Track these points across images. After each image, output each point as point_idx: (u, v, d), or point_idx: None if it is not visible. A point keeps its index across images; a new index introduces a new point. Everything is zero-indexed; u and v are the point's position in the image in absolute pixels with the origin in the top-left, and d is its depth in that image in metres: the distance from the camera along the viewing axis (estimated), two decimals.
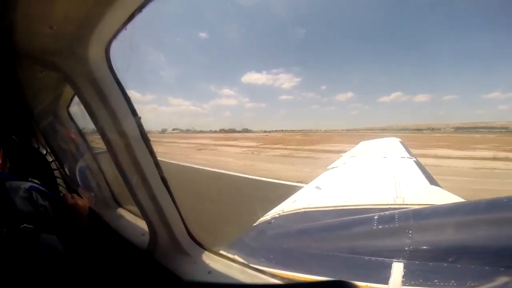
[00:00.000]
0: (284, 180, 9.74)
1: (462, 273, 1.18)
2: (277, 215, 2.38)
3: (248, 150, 24.59)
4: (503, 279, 0.98)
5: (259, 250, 1.79)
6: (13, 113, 2.80)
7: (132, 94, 1.34)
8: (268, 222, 2.30)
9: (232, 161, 16.02)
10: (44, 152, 3.57)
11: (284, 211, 2.47)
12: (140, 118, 1.31)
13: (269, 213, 2.53)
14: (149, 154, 1.35)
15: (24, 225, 1.54)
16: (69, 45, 1.20)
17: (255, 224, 2.35)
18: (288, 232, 2.06)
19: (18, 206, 1.67)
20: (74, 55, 1.23)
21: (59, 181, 3.43)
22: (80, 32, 1.12)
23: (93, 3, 1.02)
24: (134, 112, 1.30)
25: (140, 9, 1.04)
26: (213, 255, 1.51)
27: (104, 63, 1.23)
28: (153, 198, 1.38)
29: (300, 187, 3.58)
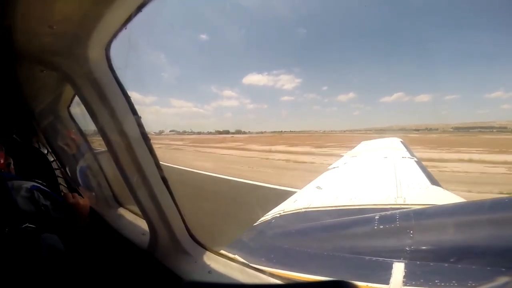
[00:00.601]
0: None
1: (463, 274, 1.18)
2: (278, 215, 2.38)
3: (164, 146, 32.94)
4: (503, 279, 0.98)
5: (260, 249, 1.80)
6: (14, 113, 2.81)
7: (134, 95, 1.34)
8: (269, 222, 2.30)
9: None
10: (45, 151, 3.59)
11: (285, 211, 2.47)
12: (140, 118, 1.31)
13: (269, 213, 2.54)
14: (149, 154, 1.35)
15: (26, 225, 1.54)
16: (69, 45, 1.20)
17: (255, 224, 2.35)
18: (289, 232, 2.06)
19: (20, 206, 1.68)
20: (74, 55, 1.23)
21: (60, 180, 3.44)
22: (80, 32, 1.12)
23: (93, 3, 1.01)
24: (134, 112, 1.30)
25: (140, 8, 1.04)
26: (214, 255, 1.51)
27: (104, 63, 1.23)
28: (153, 197, 1.38)
29: None
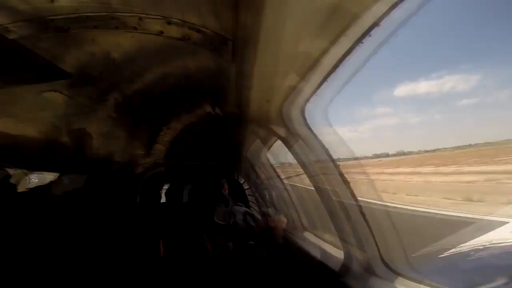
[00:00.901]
0: None
1: None
2: (482, 248, 2.04)
3: None
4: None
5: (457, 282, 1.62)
6: (227, 158, 3.87)
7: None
8: (469, 253, 2.02)
9: None
10: (242, 181, 4.67)
11: (493, 243, 2.07)
12: (332, 156, 1.59)
13: (469, 243, 2.20)
14: (344, 184, 1.56)
15: (250, 242, 1.94)
16: (276, 111, 1.69)
17: (452, 253, 2.11)
18: (498, 267, 1.74)
19: (240, 226, 2.25)
20: (278, 117, 1.71)
21: (252, 205, 4.34)
22: (285, 98, 1.57)
23: (293, 78, 1.39)
24: (326, 151, 1.60)
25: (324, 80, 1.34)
26: (408, 281, 1.50)
27: (301, 119, 1.63)
28: (347, 223, 1.57)
29: None
